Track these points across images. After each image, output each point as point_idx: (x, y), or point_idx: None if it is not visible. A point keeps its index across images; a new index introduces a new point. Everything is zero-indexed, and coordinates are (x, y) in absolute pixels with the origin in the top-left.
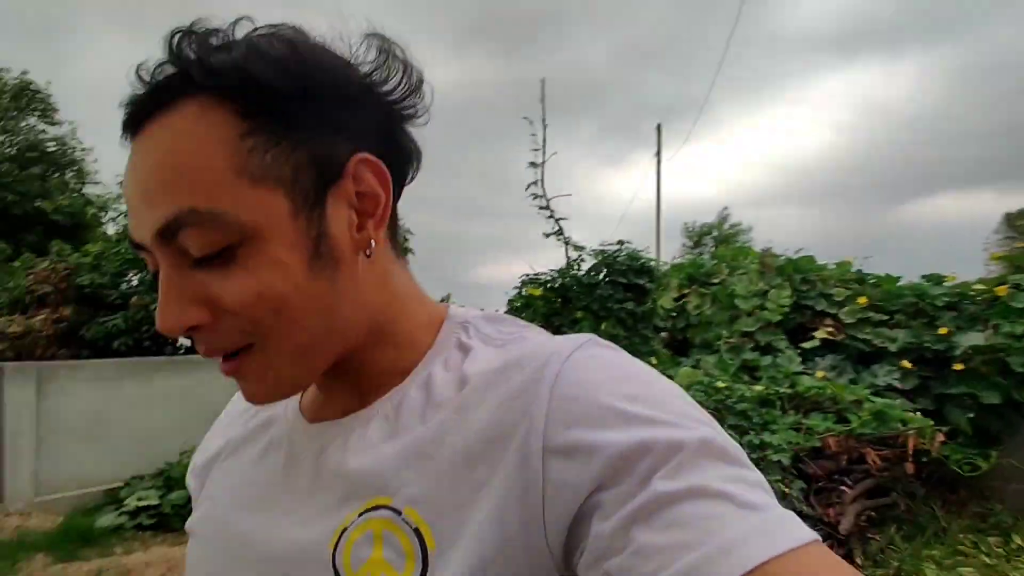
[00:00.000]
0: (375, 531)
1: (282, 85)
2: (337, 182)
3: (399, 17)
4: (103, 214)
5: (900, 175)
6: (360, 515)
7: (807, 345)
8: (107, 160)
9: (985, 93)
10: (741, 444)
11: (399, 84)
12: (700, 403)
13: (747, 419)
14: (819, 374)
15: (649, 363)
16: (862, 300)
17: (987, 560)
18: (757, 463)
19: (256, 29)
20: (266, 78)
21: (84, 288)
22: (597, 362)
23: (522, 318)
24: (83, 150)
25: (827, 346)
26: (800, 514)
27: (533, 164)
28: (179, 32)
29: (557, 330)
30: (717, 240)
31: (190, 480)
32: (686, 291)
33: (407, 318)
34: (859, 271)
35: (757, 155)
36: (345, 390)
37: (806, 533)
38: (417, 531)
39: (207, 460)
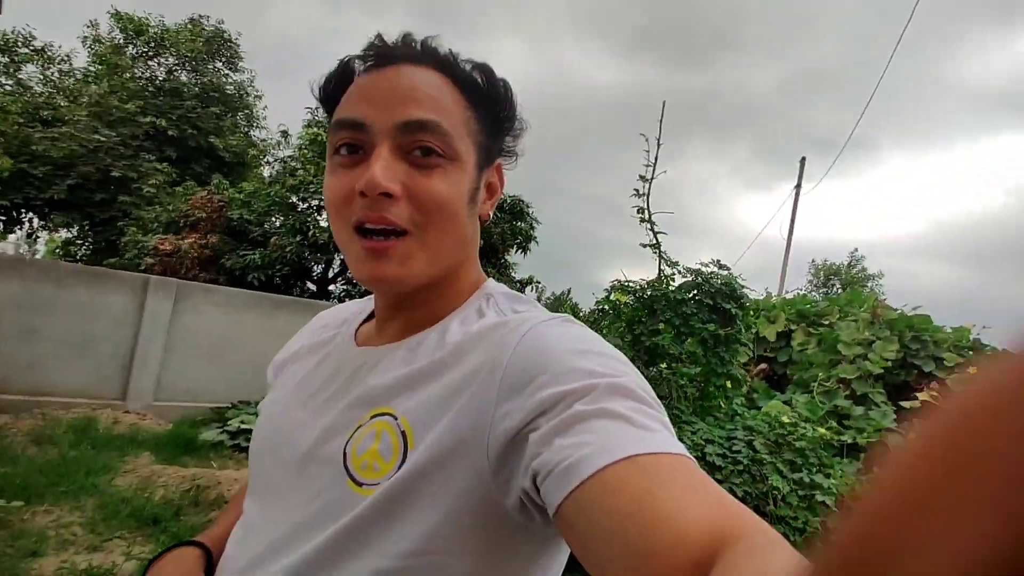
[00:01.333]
0: (377, 430)
1: (495, 98)
2: (488, 168)
3: (577, 16)
4: (262, 156)
5: None
6: (371, 417)
7: (907, 404)
8: (273, 109)
9: None
10: (793, 480)
11: (520, 133)
12: (762, 433)
13: (804, 457)
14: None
15: (724, 386)
16: (974, 370)
17: None
18: (805, 500)
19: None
20: (490, 90)
21: (232, 221)
22: (562, 330)
23: (606, 323)
24: (256, 97)
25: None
26: None
27: (642, 178)
28: (412, 35)
29: (637, 338)
30: (844, 283)
31: (269, 371)
32: (793, 327)
33: (464, 277)
34: (976, 339)
35: (910, 203)
36: (394, 327)
37: (680, 449)
38: (404, 433)
39: (284, 360)
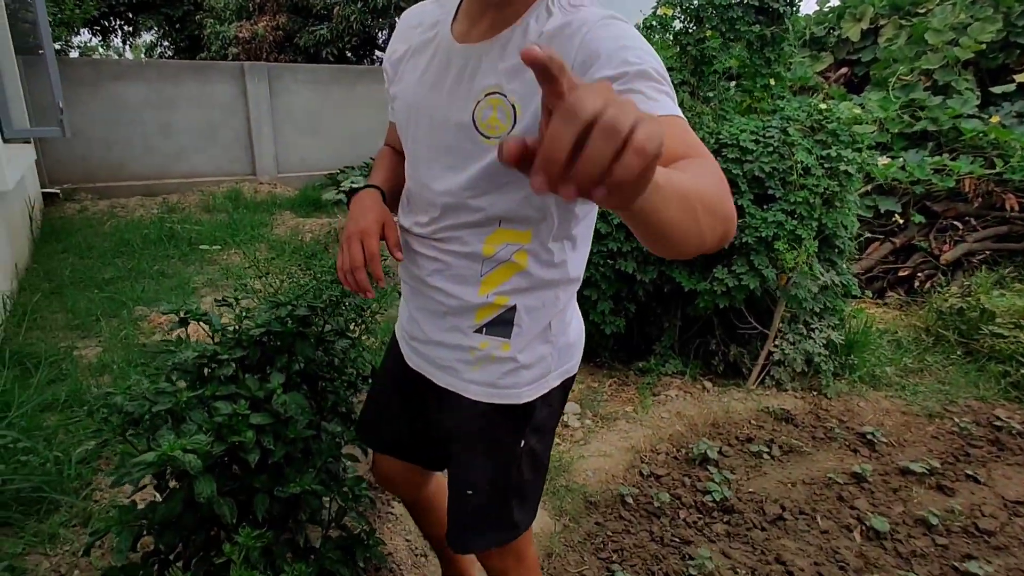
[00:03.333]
0: (493, 103)
1: None
2: None
3: None
4: None
5: None
6: (486, 95)
7: (999, 89)
8: None
9: None
10: (822, 156)
11: None
12: (798, 120)
13: (835, 136)
14: (994, 119)
15: (768, 85)
16: None
17: None
18: (829, 171)
19: None
20: None
21: None
22: (609, 30)
23: (653, 38)
24: None
25: None
26: (911, 245)
27: None
28: None
29: (684, 48)
30: None
31: (387, 67)
32: (884, 22)
33: None
34: None
35: None
36: (484, 24)
37: (675, 111)
38: (513, 106)
39: (397, 58)
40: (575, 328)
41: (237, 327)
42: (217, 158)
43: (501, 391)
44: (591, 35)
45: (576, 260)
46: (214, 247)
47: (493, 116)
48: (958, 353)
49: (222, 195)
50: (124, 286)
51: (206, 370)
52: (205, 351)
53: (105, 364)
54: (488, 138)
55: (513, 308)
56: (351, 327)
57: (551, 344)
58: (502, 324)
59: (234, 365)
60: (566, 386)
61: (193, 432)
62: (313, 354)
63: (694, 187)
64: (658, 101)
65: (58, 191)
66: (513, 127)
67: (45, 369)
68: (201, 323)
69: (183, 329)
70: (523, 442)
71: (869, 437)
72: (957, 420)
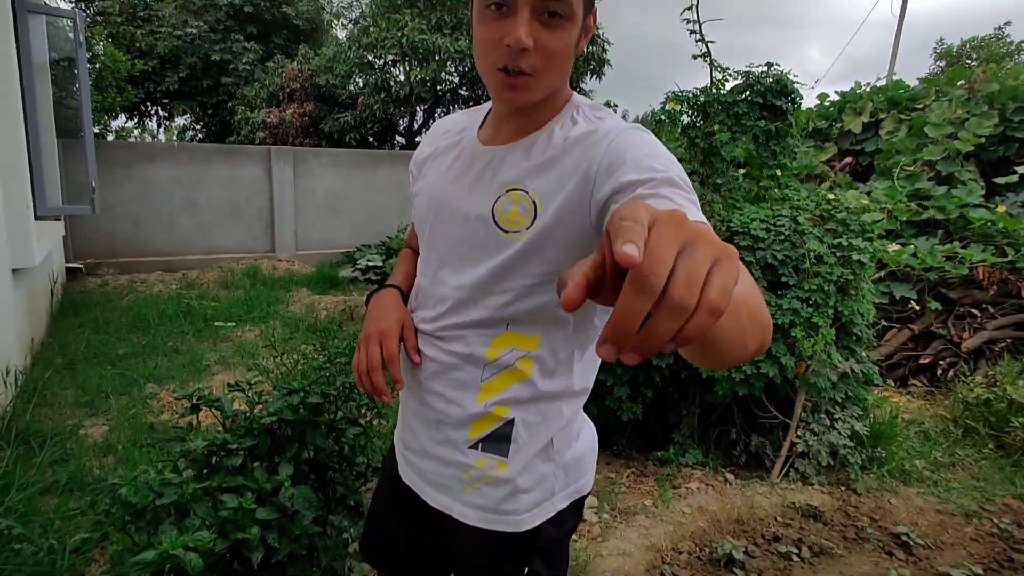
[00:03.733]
0: (513, 199)
1: None
2: (587, 17)
3: None
4: (335, 20)
5: None
6: (507, 191)
7: (1002, 180)
8: None
9: None
10: (834, 245)
11: None
12: (807, 210)
13: (845, 226)
14: (1000, 208)
15: (773, 174)
16: None
17: None
18: (841, 259)
19: None
20: None
21: (321, 87)
22: (634, 138)
23: (664, 131)
24: None
25: None
26: (930, 332)
27: None
28: None
29: (692, 141)
30: (984, 61)
31: (412, 168)
32: (883, 116)
33: (560, 94)
34: None
35: None
36: (509, 129)
37: (700, 218)
38: (534, 202)
39: (423, 158)
40: (584, 439)
41: (249, 413)
42: (239, 236)
43: (500, 517)
44: (616, 142)
45: (584, 370)
46: (229, 324)
47: (513, 210)
48: (990, 447)
49: (240, 271)
50: (137, 362)
51: (215, 459)
52: (215, 440)
53: (111, 444)
54: (507, 232)
55: (511, 422)
56: (363, 411)
57: (554, 463)
58: (499, 440)
59: (243, 454)
60: (578, 504)
61: (196, 527)
62: (324, 443)
63: (740, 299)
64: (684, 208)
65: (81, 266)
66: (533, 222)
67: (49, 449)
68: (213, 409)
69: (194, 416)
70: (527, 569)
71: (904, 538)
72: (996, 521)
